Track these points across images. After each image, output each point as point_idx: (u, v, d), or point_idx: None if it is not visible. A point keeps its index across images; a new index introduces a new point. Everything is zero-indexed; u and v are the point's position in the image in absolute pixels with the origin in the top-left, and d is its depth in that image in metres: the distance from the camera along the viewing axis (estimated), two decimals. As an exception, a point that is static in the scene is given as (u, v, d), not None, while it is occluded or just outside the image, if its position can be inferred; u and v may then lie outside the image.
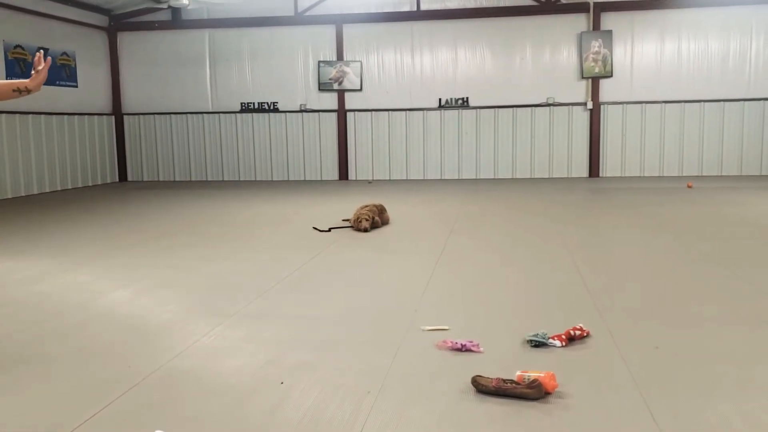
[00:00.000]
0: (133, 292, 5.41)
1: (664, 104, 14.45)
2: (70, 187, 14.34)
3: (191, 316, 4.68)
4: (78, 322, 4.62)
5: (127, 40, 15.89)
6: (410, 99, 15.19)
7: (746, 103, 14.19)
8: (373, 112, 15.34)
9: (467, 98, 14.98)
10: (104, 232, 8.50)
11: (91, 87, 15.26)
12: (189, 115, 15.93)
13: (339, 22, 15.10)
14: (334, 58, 15.31)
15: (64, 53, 14.31)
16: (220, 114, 15.81)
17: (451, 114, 15.10)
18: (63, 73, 14.27)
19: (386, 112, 15.28)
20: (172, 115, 16.00)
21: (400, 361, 3.72)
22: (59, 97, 14.18)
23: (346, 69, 15.26)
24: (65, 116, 14.26)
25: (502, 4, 14.61)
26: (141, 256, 6.85)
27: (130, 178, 16.21)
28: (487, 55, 14.89)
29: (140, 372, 3.62)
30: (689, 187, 12.30)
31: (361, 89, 15.30)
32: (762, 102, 14.14)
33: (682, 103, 14.38)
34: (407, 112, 15.22)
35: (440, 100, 15.09)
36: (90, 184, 15.01)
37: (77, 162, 14.61)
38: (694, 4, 14.06)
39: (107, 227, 8.87)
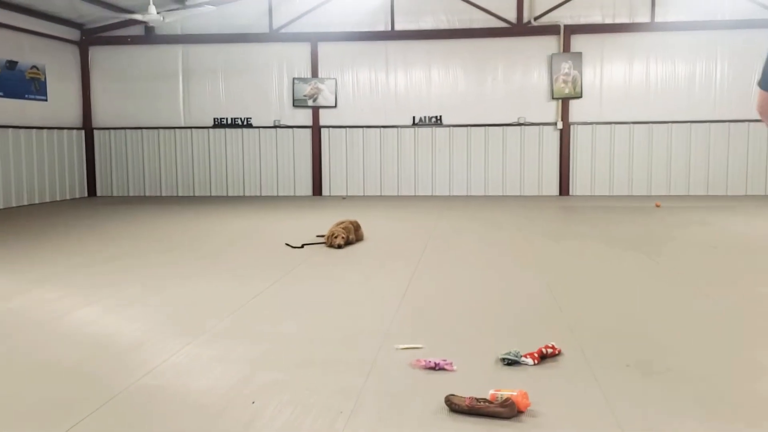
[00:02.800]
0: (101, 309, 5.33)
1: (632, 125, 14.69)
2: (37, 201, 14.12)
3: (161, 334, 4.62)
4: (44, 339, 4.54)
5: (98, 55, 15.76)
6: (384, 116, 15.26)
7: (712, 124, 14.49)
8: (348, 129, 15.38)
9: (440, 117, 15.10)
10: (71, 247, 8.37)
11: (61, 101, 15.08)
12: (161, 130, 15.82)
13: (314, 39, 15.15)
14: (309, 75, 15.34)
15: (34, 66, 14.15)
16: (193, 129, 15.72)
17: (424, 132, 15.19)
18: (32, 86, 14.10)
19: (360, 129, 15.32)
20: (144, 130, 15.87)
21: (373, 380, 3.70)
22: (28, 110, 14.00)
23: (321, 86, 15.29)
24: (34, 130, 14.07)
25: (475, 26, 14.78)
26: (109, 273, 6.75)
27: (99, 193, 16.01)
28: (460, 75, 15.04)
29: (109, 391, 3.56)
30: (657, 206, 12.49)
31: (335, 106, 15.34)
32: (727, 124, 14.44)
33: (650, 124, 14.63)
34: (381, 129, 15.27)
35: (414, 118, 15.18)
36: (58, 199, 14.80)
37: (45, 176, 14.41)
38: (661, 29, 14.35)
39: (74, 243, 8.75)
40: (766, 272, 6.52)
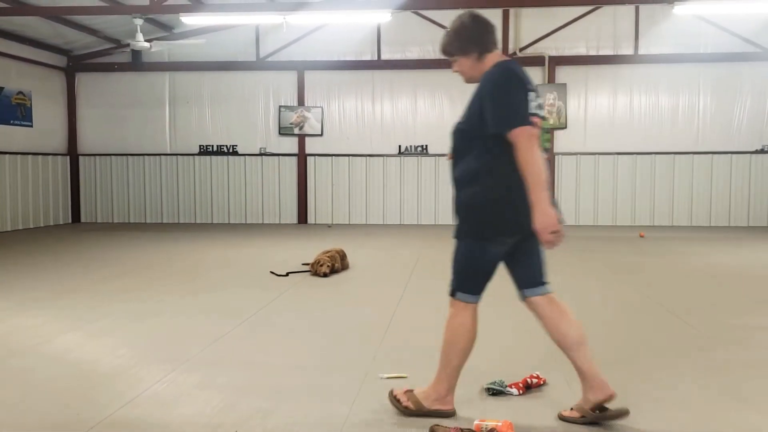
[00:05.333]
0: (83, 336, 5.26)
1: (616, 156, 14.84)
2: (21, 227, 14.00)
3: (143, 361, 4.57)
4: (24, 366, 4.47)
5: (85, 81, 15.77)
6: (370, 145, 15.33)
7: (695, 156, 14.66)
8: (334, 157, 15.42)
9: (426, 146, 15.18)
10: (54, 274, 8.29)
11: (47, 127, 15.04)
12: (146, 156, 15.79)
13: (301, 68, 15.25)
14: (296, 104, 15.41)
15: (20, 92, 14.12)
16: (178, 156, 15.70)
17: (410, 161, 15.26)
18: (18, 112, 14.06)
19: (346, 158, 15.37)
20: (129, 157, 15.83)
21: (357, 409, 3.67)
22: (13, 136, 13.94)
23: (307, 114, 15.36)
24: (18, 156, 14.00)
25: (460, 55, 14.91)
26: (91, 299, 6.68)
27: (83, 219, 15.90)
28: (446, 105, 15.15)
29: (89, 420, 3.50)
30: (641, 236, 12.57)
31: (321, 134, 15.40)
32: (710, 155, 14.62)
33: (634, 155, 14.79)
34: (367, 158, 15.33)
35: (400, 147, 15.26)
36: (42, 225, 14.68)
37: (29, 202, 14.31)
38: (645, 61, 14.58)
39: (57, 269, 8.66)
40: (747, 303, 6.56)
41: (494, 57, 3.48)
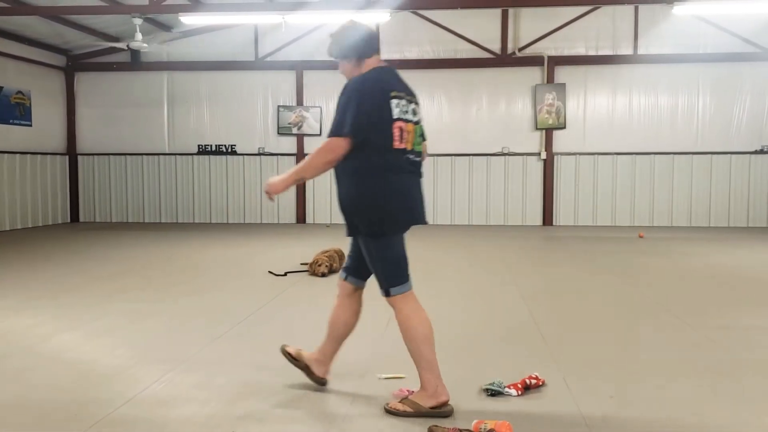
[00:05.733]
0: (81, 335, 5.25)
1: (615, 156, 14.84)
2: (19, 227, 13.99)
3: (141, 361, 4.56)
4: (22, 366, 4.46)
5: (84, 81, 15.75)
6: (369, 145, 15.29)
7: (694, 156, 14.66)
8: (332, 158, 15.38)
9: (425, 146, 15.13)
10: (52, 273, 8.28)
11: (46, 126, 15.03)
12: (145, 156, 15.78)
13: (299, 68, 15.24)
14: (294, 103, 15.40)
15: (19, 92, 14.11)
16: (177, 156, 15.69)
17: (409, 161, 15.22)
18: (17, 111, 14.05)
19: (345, 158, 15.33)
20: (128, 156, 15.82)
21: (355, 409, 3.66)
22: (12, 135, 13.93)
23: (306, 114, 15.35)
24: (17, 155, 13.99)
25: (460, 56, 14.94)
26: (89, 299, 6.67)
27: (82, 219, 15.89)
28: (444, 105, 15.16)
29: (86, 419, 3.50)
30: (640, 236, 12.57)
31: (320, 134, 15.37)
32: (709, 156, 14.62)
33: (633, 155, 14.78)
34: (366, 158, 15.29)
35: (398, 147, 15.22)
36: (41, 224, 14.67)
37: (28, 202, 14.30)
38: (644, 61, 14.57)
39: (55, 268, 8.65)
40: (746, 303, 6.56)
41: (372, 62, 3.70)
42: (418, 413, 3.53)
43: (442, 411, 3.55)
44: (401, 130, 3.55)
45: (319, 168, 3.53)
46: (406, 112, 3.62)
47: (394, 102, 3.53)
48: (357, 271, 3.85)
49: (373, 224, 3.55)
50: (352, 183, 3.58)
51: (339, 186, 3.66)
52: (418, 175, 3.81)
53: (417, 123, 3.77)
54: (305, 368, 3.97)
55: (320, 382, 3.97)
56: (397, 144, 3.54)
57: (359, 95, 3.49)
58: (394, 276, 3.64)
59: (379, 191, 3.53)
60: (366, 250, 3.64)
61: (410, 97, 3.69)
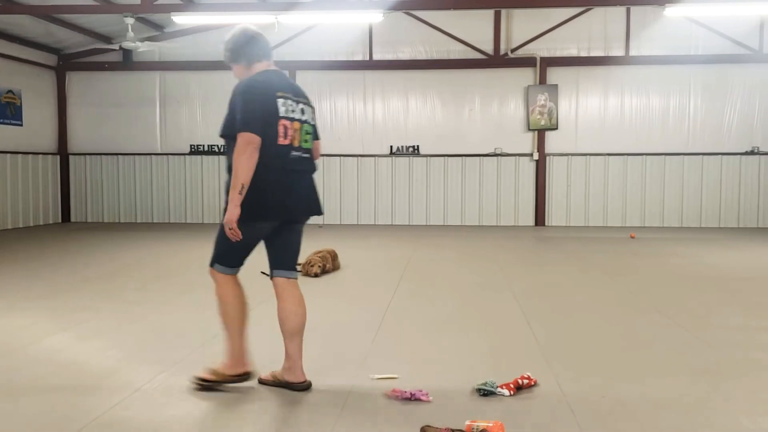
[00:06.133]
0: (72, 337, 5.23)
1: (607, 156, 14.89)
2: (10, 227, 13.93)
3: (132, 362, 4.54)
4: (13, 367, 4.44)
5: (75, 80, 15.69)
6: (362, 145, 15.32)
7: (686, 157, 14.73)
8: (325, 158, 15.39)
9: (418, 146, 15.19)
10: (43, 274, 8.24)
11: (37, 126, 14.97)
12: (137, 156, 15.73)
13: (292, 68, 15.21)
14: (287, 104, 15.36)
15: (10, 91, 14.05)
16: (169, 156, 15.64)
17: (401, 161, 15.26)
18: (7, 111, 13.98)
19: (338, 158, 15.35)
20: (119, 156, 15.77)
21: (348, 410, 3.66)
22: (3, 135, 13.87)
23: (298, 114, 15.31)
24: (8, 155, 13.92)
25: (452, 57, 14.96)
26: (81, 300, 6.65)
27: (73, 219, 15.83)
28: (437, 105, 15.18)
29: (77, 421, 3.48)
30: (632, 237, 12.61)
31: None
32: (700, 156, 14.69)
33: (625, 156, 14.84)
34: (359, 158, 15.33)
35: (391, 147, 15.26)
36: (32, 225, 14.61)
37: (19, 202, 14.23)
38: (636, 62, 14.63)
39: (46, 269, 8.61)
40: (737, 304, 6.59)
41: (261, 66, 4.03)
42: (223, 380, 3.94)
43: (242, 378, 3.97)
44: (285, 127, 3.82)
45: (248, 164, 3.67)
46: (293, 111, 3.89)
47: (279, 101, 3.81)
48: (283, 263, 4.11)
49: (246, 208, 3.72)
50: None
51: (228, 174, 3.83)
52: (306, 171, 4.03)
53: (305, 122, 3.99)
54: (285, 384, 4.03)
55: (304, 386, 4.01)
56: (281, 140, 3.80)
57: (247, 95, 3.77)
58: (226, 256, 3.98)
59: (254, 182, 3.71)
60: (221, 225, 3.85)
61: (298, 98, 3.97)
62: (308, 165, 4.03)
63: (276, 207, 3.84)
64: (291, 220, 3.98)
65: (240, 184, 3.65)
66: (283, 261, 4.09)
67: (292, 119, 3.87)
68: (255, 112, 3.71)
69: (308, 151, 4.02)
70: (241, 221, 3.72)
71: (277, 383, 4.04)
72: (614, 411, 3.65)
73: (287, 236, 4.05)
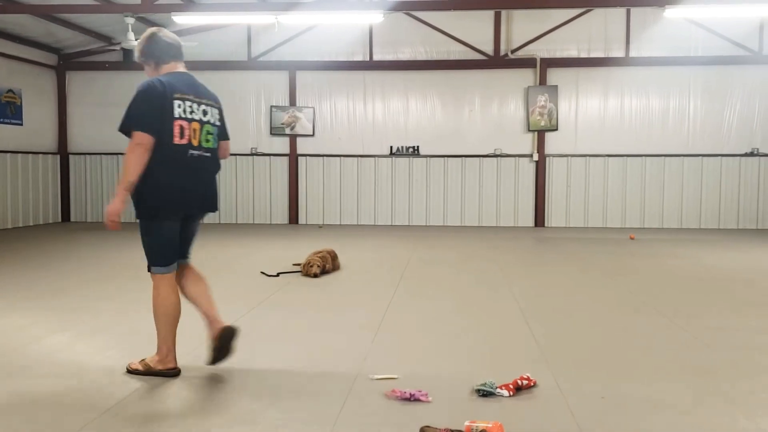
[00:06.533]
0: (72, 336, 5.24)
1: (607, 158, 14.89)
2: (10, 226, 13.93)
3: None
4: (12, 368, 4.44)
5: (76, 80, 15.69)
6: (362, 146, 15.33)
7: (685, 158, 14.73)
8: (325, 158, 15.41)
9: (418, 147, 15.19)
10: (43, 273, 8.25)
11: (37, 125, 14.96)
12: (137, 156, 15.70)
13: (293, 68, 15.23)
14: (287, 104, 15.39)
15: (10, 90, 14.05)
16: (169, 156, 15.62)
17: (401, 162, 15.27)
18: (7, 110, 13.98)
19: (338, 158, 15.36)
20: (120, 156, 15.72)
21: (348, 410, 3.67)
22: (3, 134, 13.86)
23: (299, 114, 15.35)
24: (8, 154, 13.92)
25: (452, 58, 14.97)
26: (81, 299, 6.65)
27: (73, 219, 15.83)
28: (437, 106, 15.18)
29: (77, 421, 3.49)
30: (631, 238, 12.62)
31: (313, 135, 15.39)
32: (700, 158, 14.70)
33: (625, 157, 14.84)
34: (359, 158, 15.33)
35: (391, 147, 15.26)
36: (31, 224, 14.61)
37: (19, 201, 14.23)
38: (636, 63, 14.63)
39: (46, 268, 8.62)
40: (737, 305, 6.60)
41: (169, 68, 4.26)
42: (148, 372, 4.21)
43: (168, 373, 4.21)
44: (182, 127, 4.06)
45: (137, 163, 3.96)
46: (191, 111, 4.13)
47: (176, 102, 4.05)
48: (184, 252, 4.47)
49: (142, 207, 4.11)
50: (146, 173, 4.05)
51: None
52: (205, 169, 4.29)
53: (206, 123, 4.24)
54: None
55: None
56: (177, 140, 4.05)
57: (144, 93, 4.03)
58: (156, 256, 4.18)
59: (152, 180, 4.01)
60: (140, 229, 4.19)
61: (200, 99, 4.22)
62: (208, 163, 4.30)
63: (176, 203, 4.13)
64: (189, 214, 4.32)
65: (127, 180, 3.93)
66: (184, 250, 4.45)
67: (190, 120, 4.11)
68: (149, 112, 3.97)
69: (210, 150, 4.29)
70: (151, 221, 4.10)
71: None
72: (613, 412, 3.66)
73: (190, 228, 4.44)
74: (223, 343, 4.25)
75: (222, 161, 4.58)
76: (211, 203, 4.41)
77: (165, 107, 4.01)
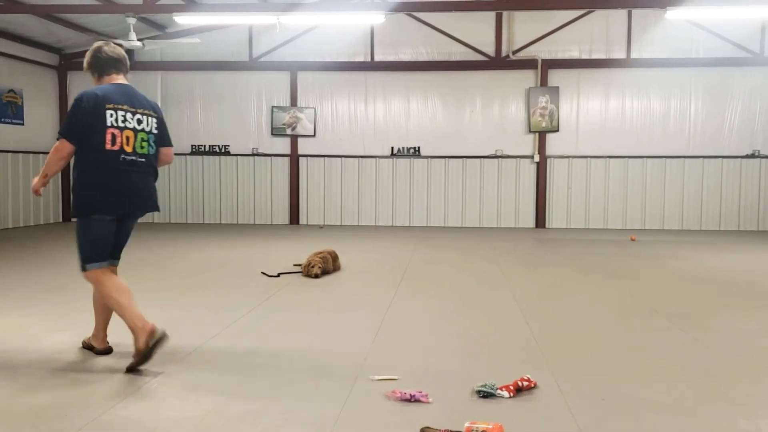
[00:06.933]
0: (73, 335, 5.23)
1: (608, 159, 14.89)
2: (11, 226, 13.93)
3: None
4: (15, 366, 4.44)
5: (77, 80, 15.69)
6: (363, 146, 15.33)
7: (686, 160, 14.73)
8: (326, 158, 15.41)
9: (419, 147, 15.19)
10: (44, 272, 8.25)
11: (38, 125, 14.96)
12: (138, 156, 15.70)
13: (294, 69, 15.24)
14: (288, 104, 15.40)
15: (11, 90, 14.05)
16: (170, 156, 15.62)
17: (402, 162, 15.27)
18: (9, 110, 13.99)
19: (339, 159, 15.37)
20: (121, 156, 15.74)
21: (348, 411, 3.67)
22: (4, 134, 13.87)
23: (300, 115, 15.35)
24: (9, 154, 13.93)
25: (453, 59, 14.97)
26: (81, 299, 6.62)
27: (73, 220, 15.79)
28: (438, 107, 15.18)
29: (78, 420, 3.49)
30: (632, 240, 12.61)
31: (314, 135, 15.39)
32: (701, 159, 14.69)
33: (626, 159, 14.84)
34: (360, 159, 15.33)
35: (392, 148, 15.27)
36: (32, 224, 14.61)
37: (20, 201, 14.23)
38: (637, 65, 14.63)
39: (48, 268, 8.62)
40: (737, 307, 6.59)
41: (110, 79, 4.66)
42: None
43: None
44: (114, 135, 4.42)
45: (54, 164, 4.44)
46: (124, 120, 4.48)
47: (108, 112, 4.41)
48: (114, 252, 4.76)
49: (77, 207, 4.49)
50: (74, 173, 4.51)
51: (74, 175, 4.54)
52: (139, 172, 4.60)
53: (140, 131, 4.58)
54: (89, 347, 4.82)
55: (106, 351, 4.77)
56: (108, 146, 4.41)
57: (76, 105, 4.41)
58: (90, 253, 4.51)
59: (87, 182, 4.44)
60: (75, 228, 4.56)
61: (136, 109, 4.56)
62: (142, 167, 4.63)
63: (109, 202, 4.48)
64: (124, 214, 4.63)
65: (46, 173, 4.48)
66: (114, 251, 4.73)
67: (122, 128, 4.47)
68: (74, 124, 4.38)
69: (144, 156, 4.62)
70: (85, 217, 4.49)
71: (85, 346, 4.84)
72: (614, 413, 3.65)
73: (123, 229, 4.72)
74: (98, 353, 4.74)
75: (168, 166, 4.93)
76: (144, 204, 4.71)
77: (97, 116, 4.38)
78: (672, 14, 11.35)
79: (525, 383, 3.97)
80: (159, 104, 16.25)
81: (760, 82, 14.47)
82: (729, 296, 7.15)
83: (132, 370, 4.30)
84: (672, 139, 14.77)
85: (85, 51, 4.93)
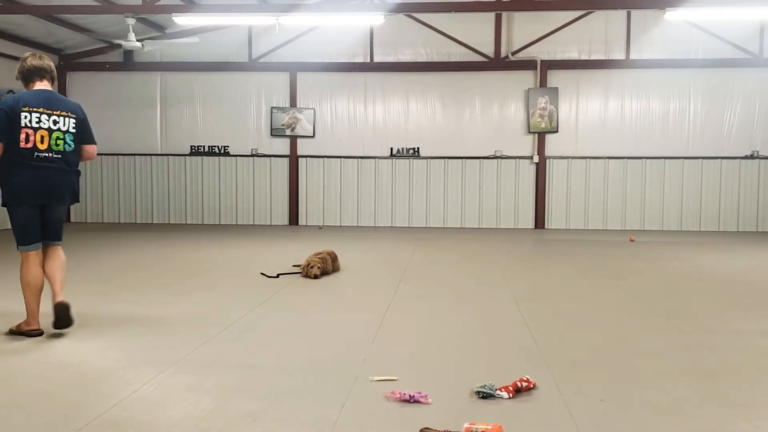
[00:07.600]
0: (71, 337, 5.23)
1: (607, 160, 14.90)
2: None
3: (132, 363, 4.54)
4: (12, 368, 4.44)
5: (76, 80, 15.69)
6: (362, 147, 15.33)
7: (685, 161, 14.74)
8: (326, 159, 15.42)
9: (418, 148, 15.20)
10: (44, 274, 8.23)
11: (37, 125, 14.93)
12: (137, 156, 15.73)
13: (293, 69, 15.24)
14: (288, 105, 15.40)
15: (11, 91, 14.02)
16: (170, 156, 15.65)
17: (402, 163, 15.27)
18: (8, 110, 13.95)
19: (338, 159, 15.37)
20: (120, 157, 15.77)
21: (347, 411, 3.67)
22: (3, 134, 13.83)
23: (299, 116, 15.35)
24: (8, 154, 13.89)
25: (453, 60, 14.97)
26: (79, 300, 6.62)
27: (73, 219, 15.81)
28: (438, 108, 15.19)
29: (76, 422, 3.48)
30: (632, 240, 12.61)
31: (313, 136, 15.39)
32: (700, 160, 14.70)
33: (625, 159, 14.85)
34: (359, 159, 15.33)
35: (392, 149, 15.27)
36: None
37: None
38: (636, 66, 14.64)
39: (47, 269, 8.60)
40: (737, 307, 6.59)
41: (33, 86, 5.40)
42: (19, 332, 5.19)
43: (32, 333, 5.17)
44: (27, 134, 5.09)
45: None
46: (38, 121, 5.16)
47: (23, 114, 5.09)
48: (46, 235, 5.39)
49: (3, 197, 5.14)
50: (0, 168, 5.15)
51: None
52: (54, 168, 5.24)
53: (55, 130, 5.24)
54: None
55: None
56: (23, 144, 5.08)
57: (0, 110, 5.02)
58: (20, 238, 5.24)
59: (8, 175, 5.12)
60: (8, 215, 5.23)
61: (52, 110, 5.27)
62: (58, 163, 5.25)
63: (29, 194, 5.14)
64: (45, 204, 5.27)
65: None
66: (47, 234, 5.38)
67: (36, 128, 5.13)
68: (0, 124, 5.01)
69: (61, 152, 5.26)
70: (10, 207, 5.17)
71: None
72: (613, 414, 3.65)
73: (48, 216, 5.34)
74: (59, 314, 5.14)
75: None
76: (60, 196, 5.33)
77: (12, 118, 5.05)
78: (671, 15, 11.36)
79: (524, 384, 3.97)
80: (159, 105, 16.17)
81: (759, 83, 14.48)
82: (729, 296, 7.15)
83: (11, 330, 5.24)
84: (671, 139, 14.78)
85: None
